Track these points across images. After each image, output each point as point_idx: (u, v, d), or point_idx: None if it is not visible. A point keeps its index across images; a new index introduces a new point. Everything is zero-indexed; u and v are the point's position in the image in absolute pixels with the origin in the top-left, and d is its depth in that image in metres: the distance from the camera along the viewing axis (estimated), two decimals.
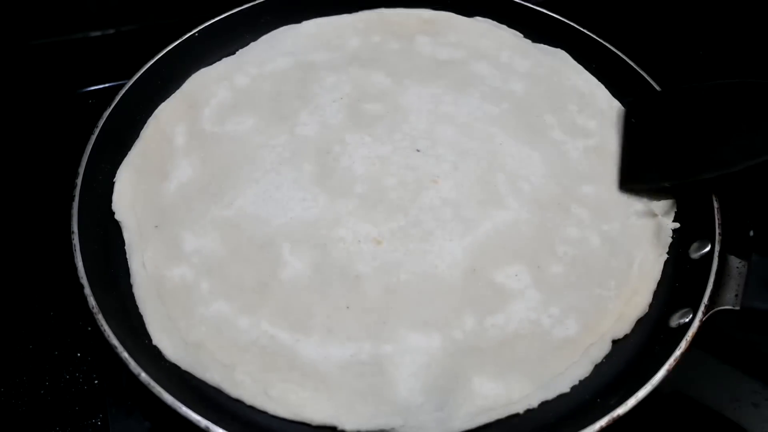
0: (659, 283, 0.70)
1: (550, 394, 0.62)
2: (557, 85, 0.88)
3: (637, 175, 0.76)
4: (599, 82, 0.89)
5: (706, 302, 0.63)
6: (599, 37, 0.90)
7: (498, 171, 0.78)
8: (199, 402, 0.58)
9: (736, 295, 0.64)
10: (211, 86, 0.86)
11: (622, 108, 0.86)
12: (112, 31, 1.06)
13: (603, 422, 0.56)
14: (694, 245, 0.71)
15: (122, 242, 0.71)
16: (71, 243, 0.66)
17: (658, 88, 0.83)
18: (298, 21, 0.95)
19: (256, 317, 0.65)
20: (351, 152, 0.79)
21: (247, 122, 0.82)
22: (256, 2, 0.93)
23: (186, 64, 0.87)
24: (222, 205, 0.74)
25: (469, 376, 0.62)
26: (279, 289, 0.67)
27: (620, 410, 0.57)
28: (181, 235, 0.71)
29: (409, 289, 0.67)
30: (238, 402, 0.61)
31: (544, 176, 0.78)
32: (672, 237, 0.73)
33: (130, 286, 0.68)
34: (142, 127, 0.80)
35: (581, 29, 0.92)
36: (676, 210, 0.75)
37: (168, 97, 0.84)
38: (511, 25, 0.96)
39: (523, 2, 0.96)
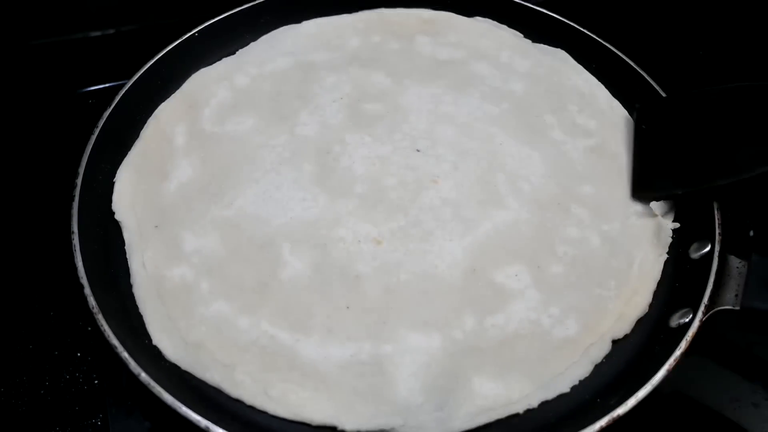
0: (659, 283, 0.70)
1: (550, 394, 0.62)
2: (557, 85, 0.88)
3: (649, 183, 0.75)
4: (599, 82, 0.89)
5: (706, 302, 0.64)
6: (599, 37, 0.90)
7: (498, 171, 0.78)
8: (199, 402, 0.58)
9: (736, 295, 0.64)
10: (211, 86, 0.86)
11: (623, 108, 0.86)
12: (112, 31, 1.06)
13: (603, 422, 0.56)
14: (694, 245, 0.71)
15: (122, 242, 0.71)
16: (71, 243, 0.66)
17: (658, 88, 0.83)
18: (298, 21, 0.95)
19: (256, 317, 0.65)
20: (351, 152, 0.79)
21: (247, 122, 0.82)
22: (256, 2, 0.93)
23: (186, 64, 0.87)
24: (222, 205, 0.74)
25: (469, 376, 0.62)
26: (279, 289, 0.67)
27: (620, 410, 0.57)
28: (181, 235, 0.71)
29: (409, 289, 0.67)
30: (238, 402, 0.61)
31: (544, 176, 0.78)
32: (672, 237, 0.73)
33: (130, 286, 0.68)
34: (142, 127, 0.81)
35: (581, 29, 0.92)
36: (676, 210, 0.75)
37: (168, 97, 0.84)
38: (511, 25, 0.96)
39: (523, 2, 0.96)
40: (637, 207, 0.75)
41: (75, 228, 0.67)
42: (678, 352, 0.60)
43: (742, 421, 0.69)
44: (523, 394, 0.61)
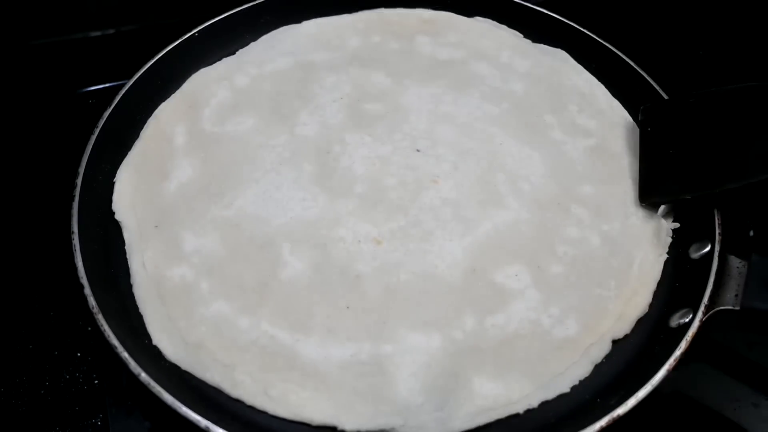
0: (659, 283, 0.70)
1: (550, 394, 0.62)
2: (557, 85, 0.88)
3: (657, 188, 0.74)
4: (599, 82, 0.89)
5: (706, 302, 0.64)
6: (599, 37, 0.90)
7: (498, 171, 0.78)
8: (199, 402, 0.58)
9: (736, 295, 0.64)
10: (211, 86, 0.86)
11: (623, 108, 0.86)
12: (112, 31, 1.06)
13: (603, 422, 0.56)
14: (694, 245, 0.71)
15: (122, 242, 0.71)
16: (71, 243, 0.66)
17: (658, 88, 0.83)
18: (298, 21, 0.95)
19: (256, 317, 0.65)
20: (351, 152, 0.79)
21: (247, 122, 0.82)
22: (256, 2, 0.93)
23: (186, 64, 0.87)
24: (222, 205, 0.74)
25: (469, 376, 0.62)
26: (279, 289, 0.67)
27: (620, 410, 0.57)
28: (181, 235, 0.71)
29: (409, 289, 0.67)
30: (238, 402, 0.61)
31: (544, 176, 0.78)
32: (672, 237, 0.73)
33: (130, 286, 0.68)
34: (142, 127, 0.81)
35: (581, 29, 0.92)
36: (676, 210, 0.75)
37: (168, 97, 0.84)
38: (511, 25, 0.96)
39: (523, 2, 0.96)
40: (637, 207, 0.75)
41: (75, 228, 0.67)
42: (678, 352, 0.60)
43: (742, 421, 0.69)
44: (523, 394, 0.61)
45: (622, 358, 0.65)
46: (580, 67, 0.91)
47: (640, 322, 0.68)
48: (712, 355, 0.73)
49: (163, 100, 0.83)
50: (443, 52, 0.92)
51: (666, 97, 0.82)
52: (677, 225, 0.74)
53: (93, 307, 0.61)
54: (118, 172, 0.76)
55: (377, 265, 0.69)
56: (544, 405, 0.61)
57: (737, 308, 0.63)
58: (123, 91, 0.80)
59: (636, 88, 0.85)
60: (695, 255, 0.70)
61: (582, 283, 0.69)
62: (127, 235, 0.72)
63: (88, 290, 0.63)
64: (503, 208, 0.74)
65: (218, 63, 0.89)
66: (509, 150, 0.80)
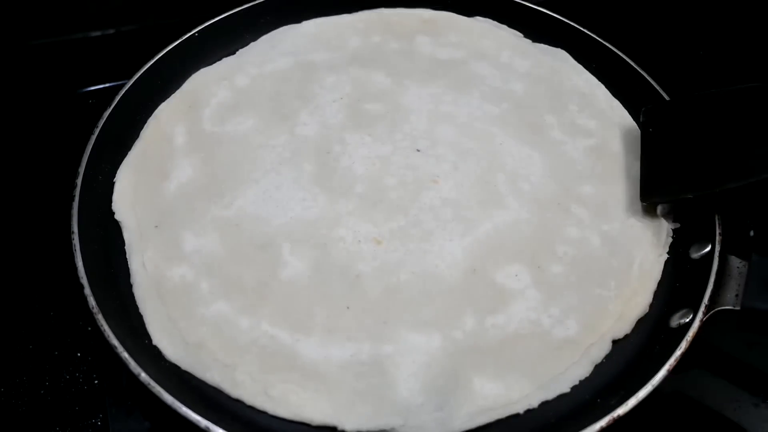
0: (659, 283, 0.70)
1: (550, 394, 0.62)
2: (557, 85, 0.88)
3: (658, 187, 0.73)
4: (599, 82, 0.89)
5: (706, 302, 0.64)
6: (599, 37, 0.90)
7: (498, 171, 0.78)
8: (199, 402, 0.58)
9: (737, 296, 0.64)
10: (211, 86, 0.86)
11: (623, 108, 0.86)
12: (112, 31, 1.06)
13: (603, 422, 0.56)
14: (695, 245, 0.71)
15: (122, 242, 0.71)
16: (71, 243, 0.66)
17: (658, 88, 0.83)
18: (298, 21, 0.95)
19: (256, 317, 0.65)
20: (351, 152, 0.79)
21: (247, 122, 0.82)
22: (256, 2, 0.93)
23: (186, 64, 0.87)
24: (222, 205, 0.74)
25: (470, 376, 0.62)
26: (279, 289, 0.67)
27: (620, 410, 0.57)
28: (181, 235, 0.71)
29: (409, 289, 0.67)
30: (238, 402, 0.61)
31: (544, 176, 0.78)
32: (672, 237, 0.73)
33: (130, 286, 0.68)
34: (142, 127, 0.81)
35: (581, 29, 0.92)
36: (676, 210, 0.75)
37: (168, 97, 0.84)
38: (511, 25, 0.96)
39: (523, 2, 0.96)
40: (637, 207, 0.75)
41: (75, 228, 0.67)
42: (678, 352, 0.60)
43: (742, 421, 0.69)
44: (523, 394, 0.61)
45: (622, 358, 0.65)
46: (580, 67, 0.91)
47: (641, 322, 0.68)
48: (712, 355, 0.73)
49: (163, 100, 0.83)
50: (443, 52, 0.92)
51: (666, 96, 0.82)
52: (677, 225, 0.74)
53: (93, 307, 0.61)
54: (118, 172, 0.76)
55: (377, 265, 0.69)
56: (544, 405, 0.61)
57: (737, 308, 0.63)
58: (123, 91, 0.80)
59: (636, 88, 0.85)
60: (695, 255, 0.70)
61: (582, 283, 0.69)
62: (127, 235, 0.72)
63: (88, 290, 0.62)
64: (503, 208, 0.74)
65: (218, 63, 0.89)
66: (509, 150, 0.80)
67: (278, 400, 0.60)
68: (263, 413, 0.60)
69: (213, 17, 0.90)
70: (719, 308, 0.63)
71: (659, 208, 0.74)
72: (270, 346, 0.63)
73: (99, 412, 0.68)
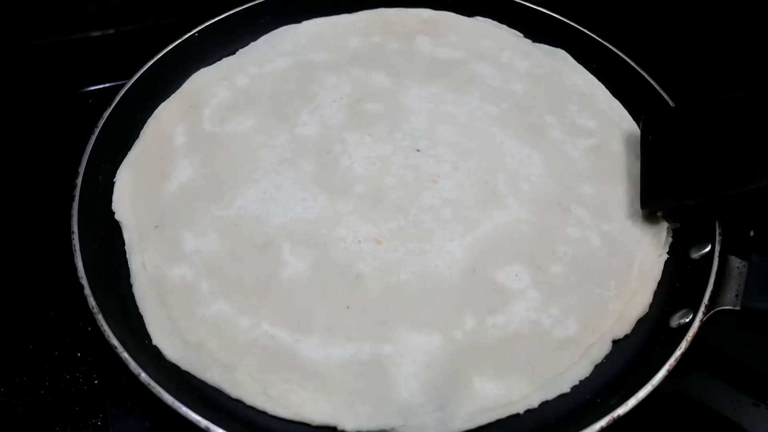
0: (659, 283, 0.70)
1: (550, 394, 0.62)
2: (557, 85, 0.88)
3: (659, 194, 0.73)
4: (599, 82, 0.89)
5: (706, 302, 0.64)
6: (599, 37, 0.90)
7: (498, 171, 0.78)
8: (199, 402, 0.58)
9: (737, 296, 0.64)
10: (211, 86, 0.86)
11: (623, 108, 0.86)
12: (112, 31, 1.06)
13: (603, 422, 0.56)
14: (695, 245, 0.71)
15: (122, 242, 0.71)
16: (71, 243, 0.66)
17: (658, 88, 0.83)
18: (298, 21, 0.95)
19: (256, 317, 0.65)
20: (351, 152, 0.79)
21: (247, 122, 0.82)
22: (256, 2, 0.93)
23: (186, 64, 0.87)
24: (222, 205, 0.74)
25: (470, 376, 0.62)
26: (279, 289, 0.67)
27: (620, 410, 0.57)
28: (181, 235, 0.71)
29: (409, 289, 0.67)
30: (238, 402, 0.61)
31: (544, 176, 0.78)
32: (672, 237, 0.73)
33: (130, 286, 0.68)
34: (142, 127, 0.81)
35: (581, 29, 0.92)
36: (676, 210, 0.75)
37: (168, 97, 0.84)
38: (511, 25, 0.96)
39: (523, 2, 0.96)
40: (638, 207, 0.75)
41: (75, 228, 0.67)
42: (678, 352, 0.60)
43: (742, 421, 0.69)
44: (523, 394, 0.61)
45: (622, 358, 0.65)
46: (580, 67, 0.91)
47: (641, 322, 0.68)
48: (712, 355, 0.73)
49: (163, 100, 0.83)
50: (443, 52, 0.92)
51: (666, 96, 0.82)
52: (678, 225, 0.74)
53: (93, 307, 0.61)
54: (118, 172, 0.76)
55: (377, 265, 0.69)
56: (544, 405, 0.61)
57: (738, 308, 0.63)
58: (123, 91, 0.80)
59: (636, 87, 0.85)
60: (695, 255, 0.70)
61: (582, 283, 0.69)
62: (127, 235, 0.72)
63: (88, 290, 0.62)
64: (503, 208, 0.74)
65: (218, 63, 0.89)
66: (509, 150, 0.80)
67: (278, 400, 0.60)
68: (263, 413, 0.60)
69: (213, 17, 0.90)
70: (719, 308, 0.63)
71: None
72: (270, 346, 0.63)
73: (99, 412, 0.69)
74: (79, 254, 0.65)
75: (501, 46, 0.93)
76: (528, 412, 0.61)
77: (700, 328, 0.62)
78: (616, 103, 0.87)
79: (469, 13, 0.97)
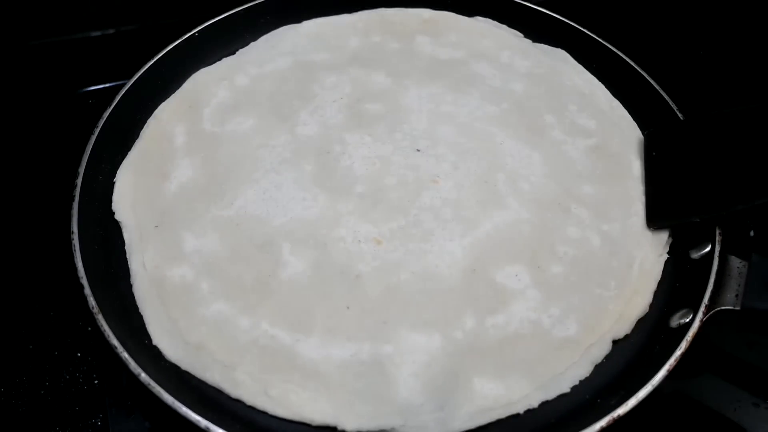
0: (659, 283, 0.70)
1: (550, 394, 0.62)
2: (557, 85, 0.88)
3: (665, 211, 0.73)
4: (599, 82, 0.89)
5: (706, 302, 0.64)
6: (599, 37, 0.90)
7: (498, 171, 0.78)
8: (199, 402, 0.58)
9: (737, 296, 0.64)
10: (211, 86, 0.86)
11: (623, 108, 0.86)
12: (112, 31, 1.06)
13: (603, 422, 0.56)
14: (695, 245, 0.71)
15: (122, 242, 0.71)
16: (71, 243, 0.66)
17: (658, 87, 0.83)
18: (298, 21, 0.95)
19: (256, 317, 0.65)
20: (351, 152, 0.79)
21: (247, 122, 0.82)
22: (256, 2, 0.93)
23: (186, 64, 0.87)
24: (222, 205, 0.74)
25: (470, 376, 0.62)
26: (279, 289, 0.67)
27: (620, 410, 0.57)
28: (181, 235, 0.71)
29: (409, 289, 0.67)
30: (238, 402, 0.61)
31: (544, 176, 0.78)
32: (672, 237, 0.73)
33: (130, 286, 0.68)
34: (142, 127, 0.81)
35: (581, 29, 0.92)
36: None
37: (168, 97, 0.84)
38: (511, 25, 0.96)
39: (523, 2, 0.96)
40: (638, 207, 0.75)
41: (75, 228, 0.67)
42: (678, 352, 0.60)
43: (742, 421, 0.69)
44: (523, 394, 0.61)
45: (622, 358, 0.65)
46: (580, 67, 0.91)
47: (641, 322, 0.68)
48: (712, 355, 0.73)
49: (163, 100, 0.83)
50: (443, 52, 0.92)
51: (666, 96, 0.82)
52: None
53: (93, 307, 0.61)
54: (118, 172, 0.76)
55: (377, 264, 0.69)
56: (544, 405, 0.61)
57: (738, 308, 0.63)
58: (123, 91, 0.80)
59: (636, 87, 0.85)
60: (695, 255, 0.70)
61: (582, 283, 0.69)
62: (127, 235, 0.72)
63: (88, 290, 0.62)
64: (503, 208, 0.74)
65: (218, 63, 0.89)
66: (509, 150, 0.80)
67: (278, 400, 0.60)
68: (263, 413, 0.60)
69: (213, 17, 0.90)
70: (719, 308, 0.63)
71: None
72: (270, 346, 0.63)
73: (99, 412, 0.69)
74: (79, 254, 0.65)
75: (501, 46, 0.93)
76: (528, 412, 0.61)
77: (700, 328, 0.62)
78: (616, 103, 0.87)
79: (469, 13, 0.97)
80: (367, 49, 0.92)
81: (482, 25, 0.96)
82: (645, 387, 0.58)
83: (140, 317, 0.66)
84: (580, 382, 0.63)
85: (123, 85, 0.81)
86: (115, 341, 0.59)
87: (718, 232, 0.69)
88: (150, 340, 0.64)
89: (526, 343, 0.64)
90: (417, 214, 0.73)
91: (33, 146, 0.92)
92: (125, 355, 0.58)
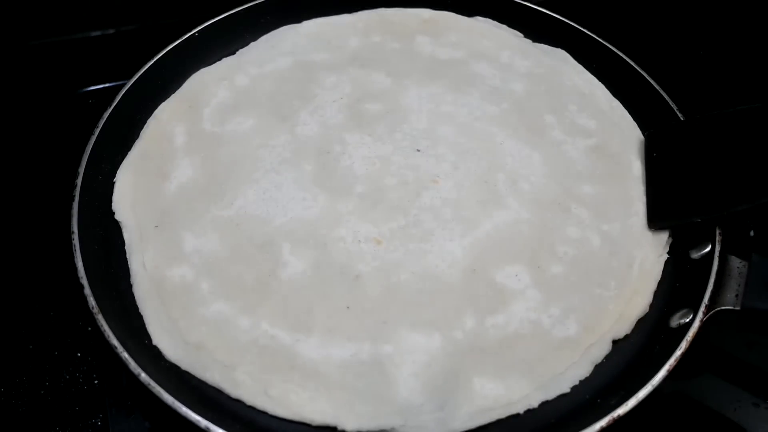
0: (659, 283, 0.70)
1: (550, 394, 0.62)
2: (557, 85, 0.88)
3: (666, 212, 0.73)
4: (599, 82, 0.89)
5: (706, 302, 0.64)
6: (599, 37, 0.90)
7: (498, 171, 0.78)
8: (199, 402, 0.58)
9: (737, 296, 0.64)
10: (211, 86, 0.86)
11: (623, 108, 0.86)
12: (112, 31, 1.06)
13: (603, 422, 0.56)
14: (695, 245, 0.71)
15: (122, 242, 0.71)
16: (71, 243, 0.66)
17: (658, 87, 0.83)
18: (298, 21, 0.95)
19: (256, 317, 0.65)
20: (351, 152, 0.79)
21: (247, 122, 0.82)
22: (256, 2, 0.93)
23: (186, 64, 0.87)
24: (222, 205, 0.74)
25: (470, 376, 0.62)
26: (279, 289, 0.67)
27: (620, 410, 0.57)
28: (181, 235, 0.71)
29: (409, 289, 0.67)
30: (238, 402, 0.61)
31: (544, 176, 0.78)
32: (672, 237, 0.73)
33: (130, 286, 0.68)
34: (142, 127, 0.81)
35: (581, 29, 0.92)
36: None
37: (168, 97, 0.84)
38: (511, 25, 0.96)
39: (523, 2, 0.96)
40: (638, 207, 0.75)
41: (75, 228, 0.67)
42: (678, 353, 0.60)
43: (742, 421, 0.69)
44: (523, 394, 0.61)
45: (622, 358, 0.65)
46: (580, 67, 0.91)
47: (641, 322, 0.68)
48: (712, 355, 0.73)
49: (163, 100, 0.83)
50: (443, 52, 0.92)
51: (666, 96, 0.82)
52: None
53: (93, 308, 0.61)
54: (118, 172, 0.76)
55: (377, 264, 0.69)
56: (544, 405, 0.61)
57: (738, 308, 0.63)
58: (123, 91, 0.80)
59: (636, 87, 0.85)
60: (696, 255, 0.70)
61: (582, 283, 0.69)
62: (127, 235, 0.72)
63: (88, 290, 0.62)
64: (503, 208, 0.74)
65: (218, 63, 0.89)
66: (509, 150, 0.80)
67: (278, 400, 0.60)
68: (263, 413, 0.60)
69: (213, 17, 0.90)
70: (719, 308, 0.63)
71: None
72: (270, 346, 0.63)
73: (99, 412, 0.69)
74: (79, 254, 0.65)
75: (501, 46, 0.93)
76: (528, 412, 0.61)
77: (700, 328, 0.62)
78: (616, 103, 0.87)
79: (469, 13, 0.97)
80: (367, 49, 0.92)
81: (482, 25, 0.96)
82: (645, 387, 0.58)
83: (140, 317, 0.66)
84: (580, 382, 0.63)
85: (123, 85, 0.81)
86: (115, 341, 0.59)
87: (718, 232, 0.69)
88: (150, 340, 0.64)
89: (526, 343, 0.64)
90: (417, 214, 0.73)
91: (33, 146, 0.92)
92: (125, 355, 0.58)
